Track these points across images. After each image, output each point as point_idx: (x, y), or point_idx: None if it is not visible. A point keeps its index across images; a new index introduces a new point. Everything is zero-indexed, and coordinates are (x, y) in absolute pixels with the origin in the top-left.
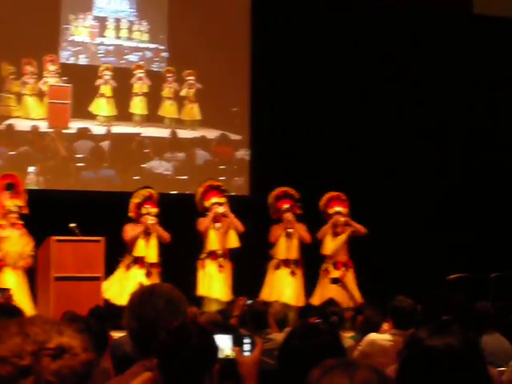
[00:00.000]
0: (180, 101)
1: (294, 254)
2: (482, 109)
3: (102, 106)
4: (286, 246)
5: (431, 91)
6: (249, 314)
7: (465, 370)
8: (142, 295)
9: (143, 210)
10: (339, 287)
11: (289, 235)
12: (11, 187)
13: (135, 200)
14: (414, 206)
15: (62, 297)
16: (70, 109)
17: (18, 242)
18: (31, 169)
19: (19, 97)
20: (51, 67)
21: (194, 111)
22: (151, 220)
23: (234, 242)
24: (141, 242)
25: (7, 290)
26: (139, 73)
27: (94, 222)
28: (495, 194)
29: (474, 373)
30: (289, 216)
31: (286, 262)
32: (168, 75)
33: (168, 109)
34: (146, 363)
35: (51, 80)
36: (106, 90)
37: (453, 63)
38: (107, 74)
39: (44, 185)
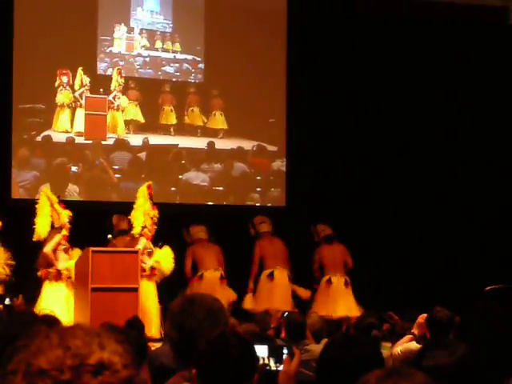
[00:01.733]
0: (209, 111)
1: None
2: None
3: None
4: None
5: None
6: (286, 325)
7: None
8: (182, 305)
9: None
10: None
11: None
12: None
13: None
14: (449, 218)
15: (100, 308)
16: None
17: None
18: (71, 179)
19: (55, 108)
20: (120, 80)
21: (221, 120)
22: None
23: None
24: None
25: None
26: (169, 84)
27: None
28: None
29: None
30: None
31: None
32: (193, 89)
33: (197, 118)
34: (186, 374)
35: (119, 94)
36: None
37: (490, 75)
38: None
39: (83, 196)
